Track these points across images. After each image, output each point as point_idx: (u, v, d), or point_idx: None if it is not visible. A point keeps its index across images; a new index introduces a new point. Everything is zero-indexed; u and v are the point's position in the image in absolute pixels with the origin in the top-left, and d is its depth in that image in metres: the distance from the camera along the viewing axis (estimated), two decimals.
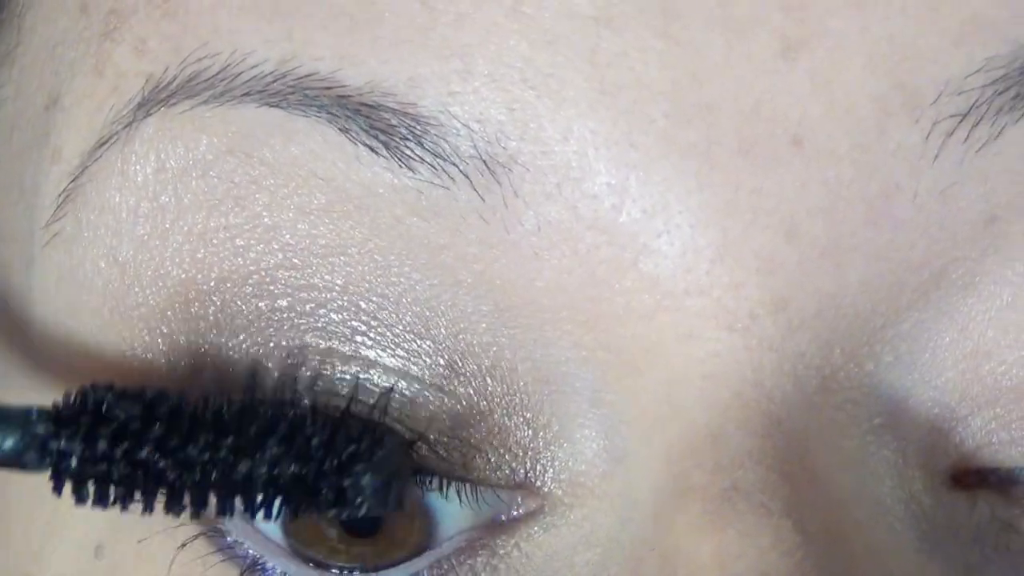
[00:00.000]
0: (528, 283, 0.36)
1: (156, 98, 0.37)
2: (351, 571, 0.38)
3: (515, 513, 0.37)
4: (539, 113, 0.35)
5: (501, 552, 0.37)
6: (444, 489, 0.37)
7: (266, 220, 0.37)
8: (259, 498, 0.35)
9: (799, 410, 0.35)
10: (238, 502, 0.35)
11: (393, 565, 0.37)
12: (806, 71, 0.34)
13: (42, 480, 0.40)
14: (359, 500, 0.35)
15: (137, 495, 0.35)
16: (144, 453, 0.35)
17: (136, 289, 0.38)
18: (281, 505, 0.35)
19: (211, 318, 0.37)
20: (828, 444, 0.35)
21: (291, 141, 0.36)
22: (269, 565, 0.38)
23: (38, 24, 0.40)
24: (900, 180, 0.35)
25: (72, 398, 0.36)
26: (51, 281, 0.39)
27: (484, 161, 0.35)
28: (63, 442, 0.35)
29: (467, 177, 0.35)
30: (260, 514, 0.35)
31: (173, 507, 0.35)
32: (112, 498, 0.35)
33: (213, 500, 0.35)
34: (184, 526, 0.38)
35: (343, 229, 0.36)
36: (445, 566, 0.37)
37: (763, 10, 0.34)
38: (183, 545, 0.38)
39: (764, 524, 0.34)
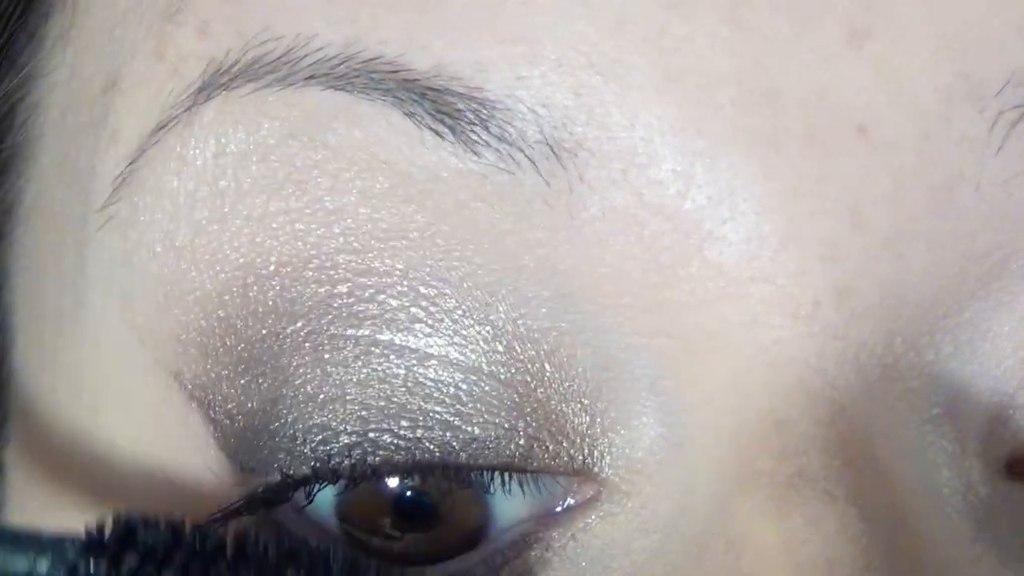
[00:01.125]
0: (591, 269, 0.36)
1: (217, 82, 0.37)
2: (405, 562, 0.37)
3: (571, 501, 0.37)
4: (605, 98, 0.35)
5: (556, 545, 0.37)
6: (506, 484, 0.37)
7: (327, 204, 0.37)
8: None
9: (861, 398, 0.35)
10: None
11: (448, 557, 0.37)
12: (872, 59, 0.35)
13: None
14: None
15: None
16: None
17: (193, 274, 0.38)
18: None
19: (270, 303, 0.37)
20: (889, 433, 0.36)
21: (355, 125, 0.36)
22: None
23: (94, 6, 0.40)
24: (964, 170, 0.35)
25: (101, 526, 0.36)
26: (104, 265, 0.39)
27: (550, 146, 0.35)
28: (92, 567, 0.35)
29: (533, 162, 0.35)
30: None
31: None
32: None
33: None
34: (239, 518, 0.38)
35: (406, 213, 0.36)
36: (499, 560, 0.37)
37: None
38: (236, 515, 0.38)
39: (830, 511, 0.34)
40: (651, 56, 0.35)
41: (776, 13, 0.35)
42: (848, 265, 0.35)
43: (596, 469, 0.37)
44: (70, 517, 0.40)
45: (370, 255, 0.37)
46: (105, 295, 0.39)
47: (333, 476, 0.37)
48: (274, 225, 0.37)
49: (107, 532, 0.35)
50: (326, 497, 0.38)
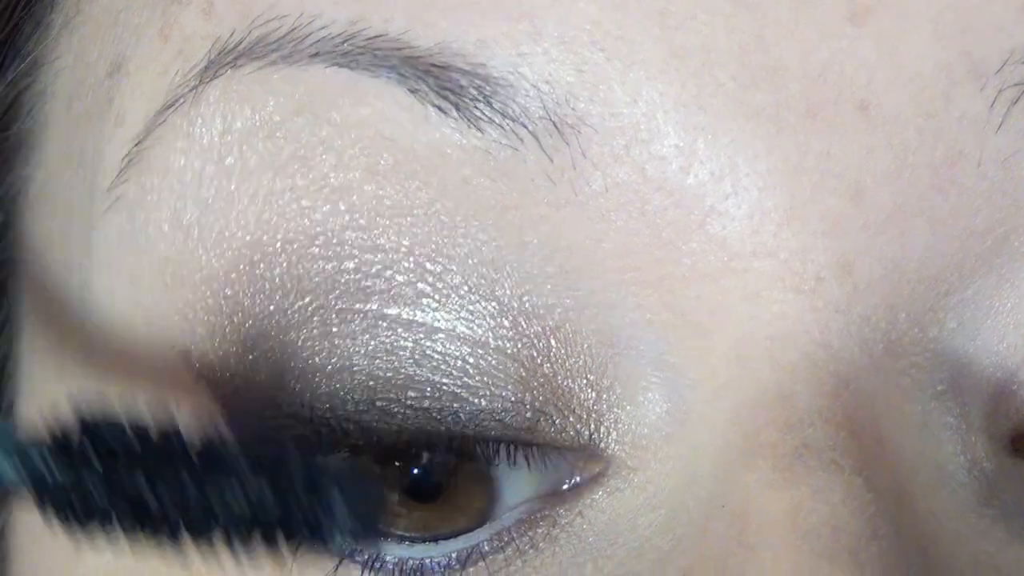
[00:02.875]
0: (595, 245, 0.36)
1: (222, 61, 0.37)
2: (411, 539, 0.38)
3: (577, 479, 0.37)
4: (608, 75, 0.35)
5: (563, 522, 0.37)
6: (512, 456, 0.37)
7: (333, 181, 0.37)
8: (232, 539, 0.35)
9: (866, 373, 0.35)
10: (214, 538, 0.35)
11: (454, 535, 0.37)
12: (872, 37, 0.35)
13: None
14: (333, 531, 0.34)
15: (116, 524, 0.35)
16: (127, 482, 0.34)
17: (200, 252, 0.38)
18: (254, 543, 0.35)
19: (277, 280, 0.37)
20: (893, 407, 0.36)
21: (360, 102, 0.36)
22: None
23: None
24: (964, 147, 0.35)
25: (66, 430, 0.35)
26: (112, 246, 0.39)
27: (553, 122, 0.35)
28: (57, 474, 0.35)
29: (536, 138, 0.36)
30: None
31: (153, 538, 0.35)
32: (95, 528, 0.35)
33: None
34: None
35: (410, 190, 0.37)
36: (505, 538, 0.37)
37: None
38: None
39: (836, 481, 0.34)
40: (653, 33, 0.35)
41: None
42: (850, 240, 0.35)
43: (602, 445, 0.37)
44: None
45: (376, 232, 0.37)
46: (112, 277, 0.39)
47: (338, 441, 0.37)
48: (280, 203, 0.37)
49: (73, 437, 0.35)
50: None
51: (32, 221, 0.42)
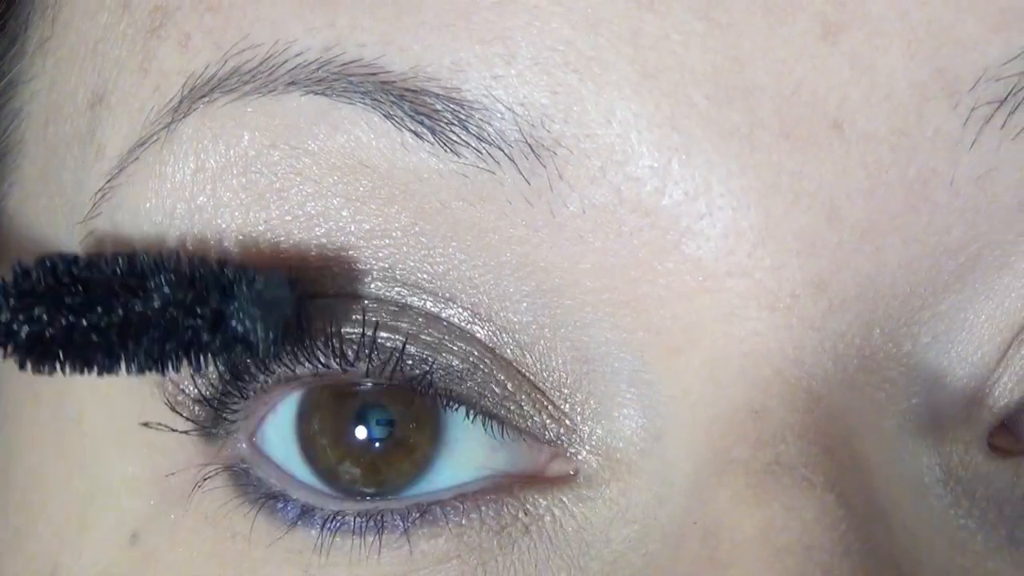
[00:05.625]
0: (571, 265, 0.36)
1: (196, 95, 0.37)
2: (368, 495, 0.38)
3: (548, 471, 0.37)
4: (582, 96, 0.35)
5: (532, 511, 0.37)
6: (471, 416, 0.37)
7: (310, 209, 0.37)
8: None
9: (839, 388, 0.36)
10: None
11: (410, 485, 0.38)
12: (846, 55, 0.35)
13: (75, 470, 0.41)
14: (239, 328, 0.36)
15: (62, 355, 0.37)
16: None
17: None
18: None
19: None
20: (867, 423, 0.36)
21: (336, 129, 0.37)
22: (293, 496, 0.38)
23: (75, 19, 0.40)
24: (938, 165, 0.35)
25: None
26: None
27: (529, 144, 0.36)
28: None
29: (512, 161, 0.36)
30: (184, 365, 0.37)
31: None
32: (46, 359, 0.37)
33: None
34: (209, 466, 0.39)
35: (389, 214, 0.37)
36: (469, 504, 0.37)
37: None
38: (205, 479, 0.38)
39: (808, 497, 0.34)
40: (627, 54, 0.35)
41: (750, 9, 0.35)
42: (825, 259, 0.35)
43: (572, 450, 0.37)
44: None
45: (353, 253, 0.37)
46: None
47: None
48: (254, 234, 0.37)
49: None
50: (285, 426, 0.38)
51: (8, 239, 0.42)
